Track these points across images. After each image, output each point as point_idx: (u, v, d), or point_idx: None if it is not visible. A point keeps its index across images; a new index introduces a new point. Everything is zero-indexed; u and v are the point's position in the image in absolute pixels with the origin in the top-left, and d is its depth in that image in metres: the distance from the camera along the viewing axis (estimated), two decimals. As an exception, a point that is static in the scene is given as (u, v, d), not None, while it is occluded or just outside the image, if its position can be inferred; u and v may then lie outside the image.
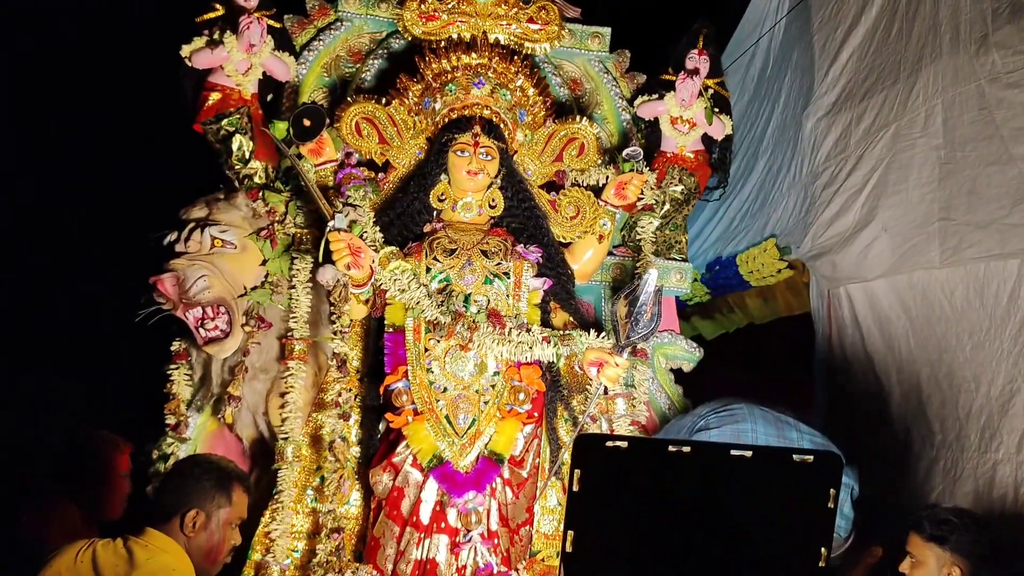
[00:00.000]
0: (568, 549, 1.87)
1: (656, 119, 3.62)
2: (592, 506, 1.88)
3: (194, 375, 3.17)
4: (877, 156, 3.62)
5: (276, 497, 2.92)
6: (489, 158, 3.05)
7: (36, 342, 4.72)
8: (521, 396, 2.89)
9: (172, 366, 3.17)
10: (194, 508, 2.45)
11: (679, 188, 3.53)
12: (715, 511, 1.93)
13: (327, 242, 2.76)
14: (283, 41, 3.33)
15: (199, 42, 3.17)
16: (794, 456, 1.90)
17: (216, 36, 3.16)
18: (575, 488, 1.87)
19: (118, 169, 4.92)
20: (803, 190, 3.98)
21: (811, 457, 1.90)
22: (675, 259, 3.58)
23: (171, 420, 3.11)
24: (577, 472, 1.87)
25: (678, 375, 3.50)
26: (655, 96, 3.60)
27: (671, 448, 1.88)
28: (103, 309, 4.55)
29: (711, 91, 3.63)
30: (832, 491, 1.89)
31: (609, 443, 1.91)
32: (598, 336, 2.90)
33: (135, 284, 2.96)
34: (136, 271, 3.00)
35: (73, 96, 5.02)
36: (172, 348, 3.18)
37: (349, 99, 3.22)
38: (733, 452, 1.90)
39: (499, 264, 3.00)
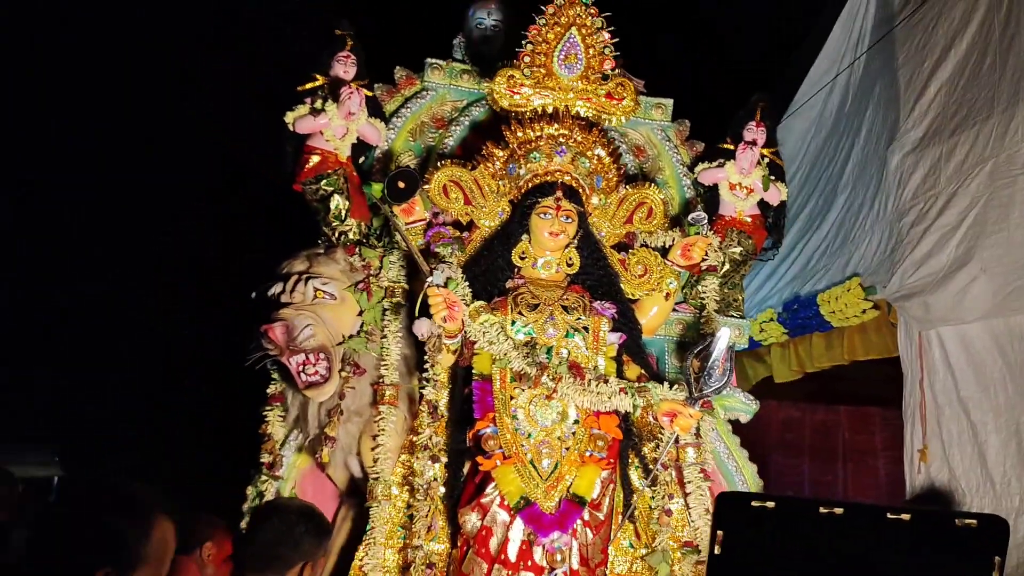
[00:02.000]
0: None
1: (715, 184, 3.87)
2: (735, 570, 1.77)
3: (288, 416, 3.38)
4: (973, 193, 3.55)
5: (369, 533, 3.12)
6: (569, 221, 3.30)
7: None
8: (599, 443, 3.10)
9: (268, 407, 3.39)
10: (307, 562, 2.52)
11: (738, 249, 3.77)
12: (868, 578, 1.77)
13: (425, 296, 3.00)
14: (375, 108, 3.61)
15: (302, 109, 3.45)
16: (956, 520, 1.79)
17: (318, 104, 3.44)
18: (716, 551, 1.75)
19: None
20: (888, 228, 3.93)
21: (974, 521, 1.77)
22: (733, 316, 3.81)
23: (266, 458, 3.32)
24: (719, 533, 1.76)
25: (736, 423, 3.70)
26: (715, 164, 3.86)
27: (822, 509, 1.77)
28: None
29: (767, 159, 3.89)
30: (997, 559, 1.76)
31: (754, 502, 1.82)
32: (671, 388, 3.13)
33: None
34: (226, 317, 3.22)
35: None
36: (268, 391, 3.40)
37: (437, 164, 3.48)
38: (890, 515, 1.79)
39: (579, 319, 3.23)
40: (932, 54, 3.98)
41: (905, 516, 1.77)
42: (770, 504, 1.79)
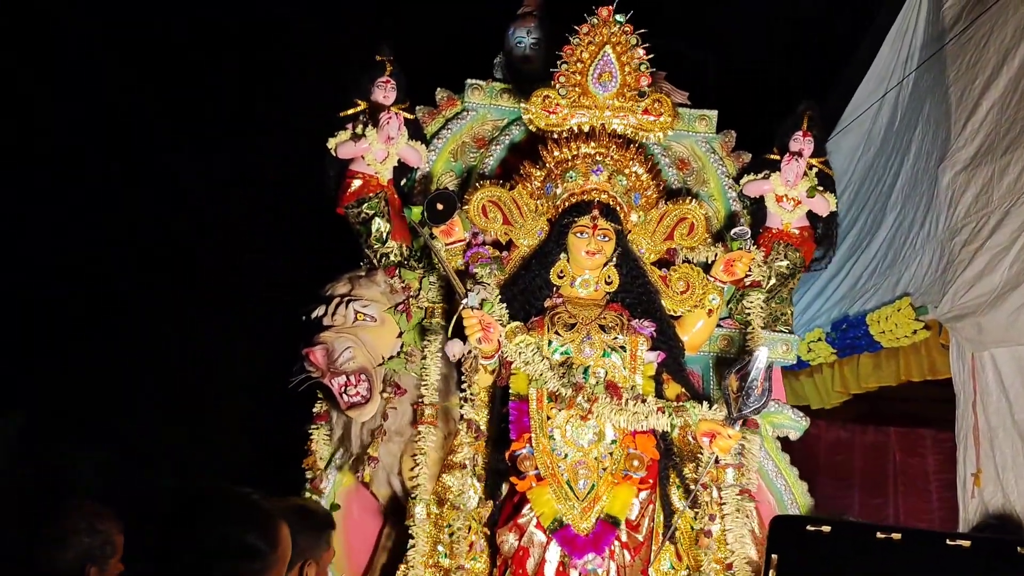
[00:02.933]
0: None
1: (762, 196, 3.80)
2: None
3: (333, 435, 3.46)
4: None
5: (408, 552, 3.17)
6: (606, 239, 3.29)
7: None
8: (636, 463, 3.08)
9: (313, 426, 3.48)
10: (310, 560, 2.52)
11: (784, 263, 3.69)
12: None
13: (459, 318, 3.04)
14: (415, 131, 3.67)
15: (344, 135, 3.53)
16: (1019, 547, 1.78)
17: (358, 130, 3.51)
18: (771, 575, 1.76)
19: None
20: (940, 247, 3.88)
21: None
22: (781, 331, 3.73)
23: (310, 475, 3.41)
24: (774, 557, 1.80)
25: (785, 443, 3.62)
26: (761, 175, 3.79)
27: (879, 534, 1.79)
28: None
29: (816, 169, 3.80)
30: None
31: (810, 526, 1.83)
32: (710, 408, 3.09)
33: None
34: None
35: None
36: (314, 410, 3.49)
37: (476, 184, 3.51)
38: (949, 541, 1.79)
39: (616, 338, 3.22)
40: (984, 71, 3.91)
41: (965, 543, 1.79)
42: (826, 528, 1.82)
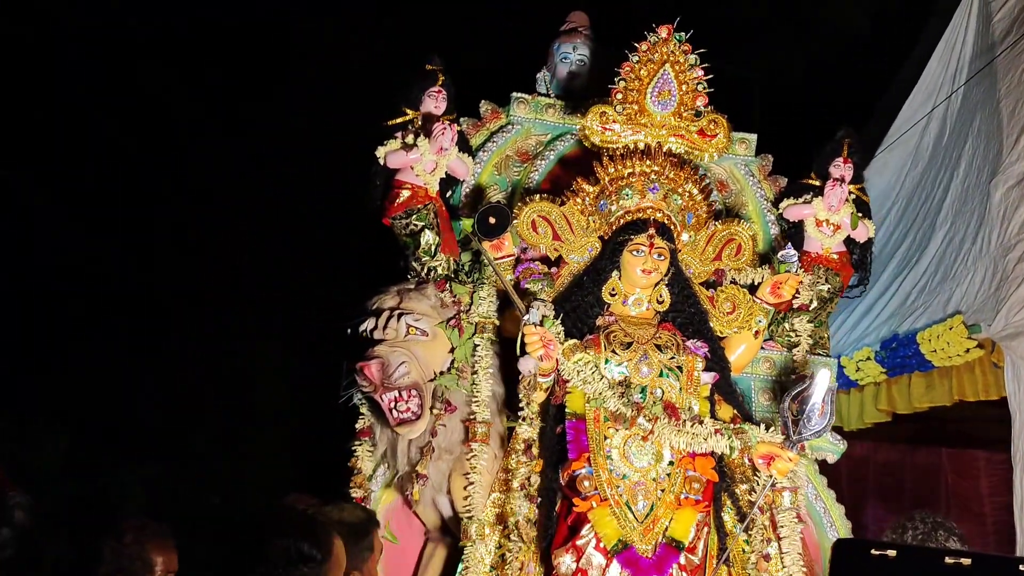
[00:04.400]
0: None
1: (801, 221, 3.82)
2: None
3: (376, 451, 3.37)
4: None
5: (462, 573, 3.09)
6: (662, 258, 3.27)
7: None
8: (695, 485, 3.06)
9: (356, 442, 3.38)
10: (353, 572, 2.44)
11: (826, 287, 3.71)
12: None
13: (523, 335, 2.99)
14: (463, 143, 3.61)
15: (394, 144, 3.46)
16: None
17: (409, 139, 3.45)
18: None
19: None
20: (992, 264, 3.83)
21: None
22: (820, 354, 3.74)
23: (357, 493, 3.31)
24: None
25: (831, 464, 3.63)
26: (802, 199, 3.81)
27: (948, 560, 1.70)
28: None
29: (853, 196, 3.84)
30: None
31: (875, 551, 1.73)
32: (768, 430, 3.08)
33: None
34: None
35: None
36: (357, 426, 3.40)
37: (525, 199, 3.47)
38: (1022, 567, 1.72)
39: (672, 358, 3.19)
40: None
41: None
42: (891, 553, 1.70)
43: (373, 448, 3.37)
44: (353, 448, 3.37)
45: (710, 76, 3.43)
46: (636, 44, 3.37)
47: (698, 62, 3.41)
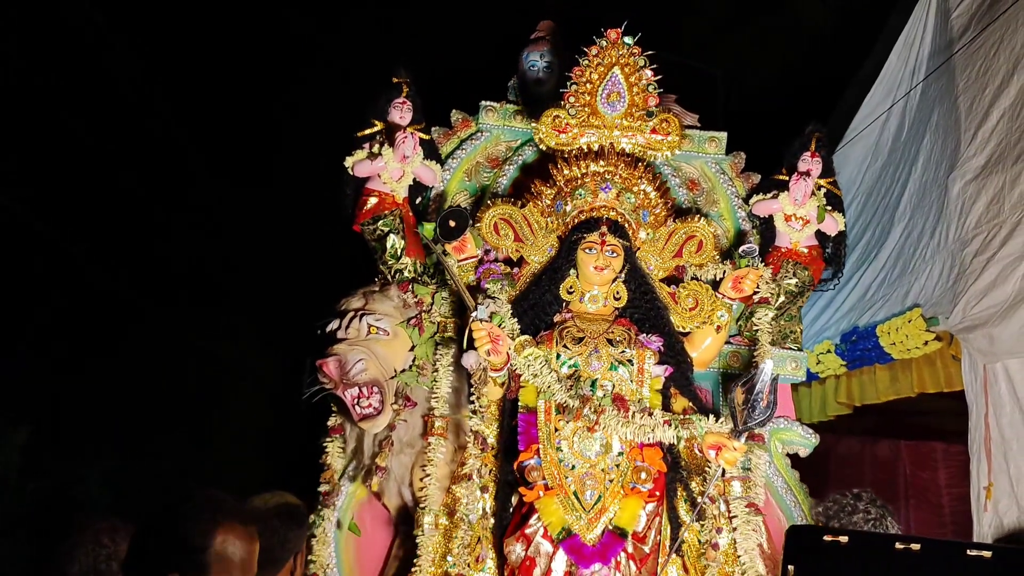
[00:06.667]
0: None
1: (771, 216, 3.85)
2: None
3: (347, 448, 3.53)
4: None
5: (416, 562, 3.21)
6: (614, 255, 3.35)
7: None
8: (643, 475, 3.11)
9: (328, 439, 3.54)
10: (295, 554, 2.53)
11: (793, 281, 3.73)
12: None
13: (470, 331, 3.11)
14: (431, 151, 3.77)
15: (360, 154, 3.64)
16: None
17: (375, 149, 3.62)
18: None
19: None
20: (950, 257, 3.82)
21: None
22: (791, 348, 3.76)
23: (325, 488, 3.46)
24: (790, 568, 1.73)
25: (794, 459, 3.63)
26: (770, 195, 3.83)
27: (898, 545, 1.72)
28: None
29: (824, 190, 3.84)
30: None
31: (827, 537, 1.76)
32: (717, 421, 3.12)
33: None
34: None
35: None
36: (328, 423, 3.56)
37: (488, 202, 3.60)
38: (970, 552, 1.73)
39: (623, 352, 3.26)
40: (994, 80, 3.87)
41: (986, 553, 1.71)
42: (844, 539, 1.74)
43: (344, 445, 3.52)
44: (324, 444, 3.53)
45: (674, 75, 3.53)
46: (586, 49, 3.48)
47: (648, 63, 3.49)
